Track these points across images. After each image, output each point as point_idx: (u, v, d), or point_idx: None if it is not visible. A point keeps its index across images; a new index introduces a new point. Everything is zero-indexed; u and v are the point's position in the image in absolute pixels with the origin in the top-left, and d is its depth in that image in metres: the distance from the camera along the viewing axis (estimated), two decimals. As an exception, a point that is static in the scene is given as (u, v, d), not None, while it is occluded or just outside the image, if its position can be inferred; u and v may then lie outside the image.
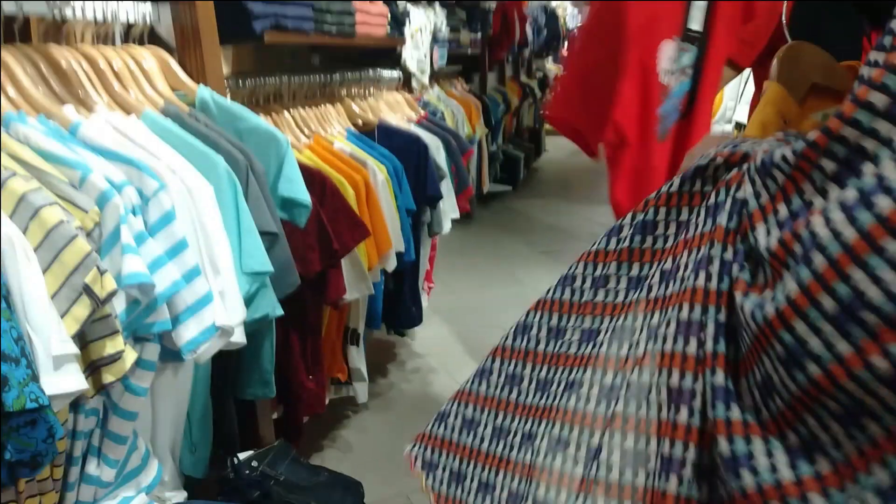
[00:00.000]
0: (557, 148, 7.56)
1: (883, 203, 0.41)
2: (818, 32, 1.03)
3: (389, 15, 2.21)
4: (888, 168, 0.42)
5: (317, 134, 1.83)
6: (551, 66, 7.52)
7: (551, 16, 6.58)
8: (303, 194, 1.25)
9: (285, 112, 1.75)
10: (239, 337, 1.05)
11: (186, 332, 0.94)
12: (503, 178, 5.21)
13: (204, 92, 1.22)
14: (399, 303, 2.11)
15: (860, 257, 0.42)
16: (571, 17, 8.73)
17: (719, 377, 0.54)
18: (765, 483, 0.48)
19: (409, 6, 2.69)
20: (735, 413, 0.52)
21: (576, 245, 4.16)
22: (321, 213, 1.46)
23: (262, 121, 1.25)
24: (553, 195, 5.49)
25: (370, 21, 2.02)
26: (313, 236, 1.46)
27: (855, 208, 0.43)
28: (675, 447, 0.57)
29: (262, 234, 1.13)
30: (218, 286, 1.00)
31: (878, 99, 0.44)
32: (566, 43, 8.51)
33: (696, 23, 1.31)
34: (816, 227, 0.45)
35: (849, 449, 0.46)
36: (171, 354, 0.98)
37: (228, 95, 1.56)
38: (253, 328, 1.19)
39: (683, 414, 0.57)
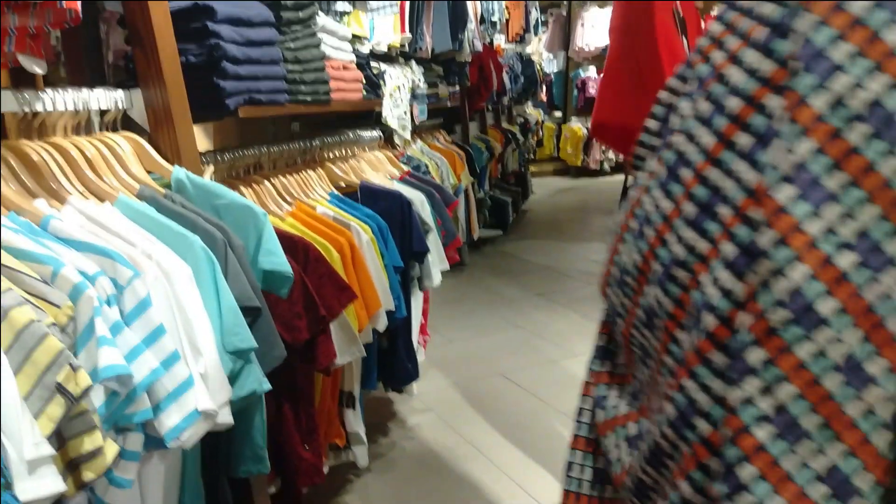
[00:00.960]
0: (543, 189, 7.64)
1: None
2: None
3: (364, 79, 2.25)
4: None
5: (299, 200, 1.84)
6: (531, 111, 7.65)
7: (527, 62, 6.73)
8: (283, 266, 1.25)
9: (267, 182, 1.77)
10: (225, 418, 1.03)
11: (168, 420, 0.92)
12: (493, 223, 5.23)
13: (179, 172, 1.23)
14: (394, 360, 2.09)
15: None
16: (547, 61, 8.95)
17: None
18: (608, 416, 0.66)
19: (385, 66, 2.75)
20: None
21: (570, 285, 4.16)
22: (306, 280, 1.46)
23: (238, 195, 1.26)
24: (543, 236, 5.51)
25: (345, 87, 2.06)
26: (300, 304, 1.45)
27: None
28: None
29: (244, 309, 1.12)
30: (199, 368, 0.99)
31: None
32: (544, 87, 8.70)
33: None
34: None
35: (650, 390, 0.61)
36: (156, 442, 0.96)
37: (209, 172, 1.58)
38: (240, 406, 1.17)
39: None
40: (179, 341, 0.99)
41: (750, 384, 0.48)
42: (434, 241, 2.28)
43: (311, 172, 2.01)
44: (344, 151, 2.34)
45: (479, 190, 4.91)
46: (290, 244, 1.49)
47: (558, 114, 8.92)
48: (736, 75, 0.51)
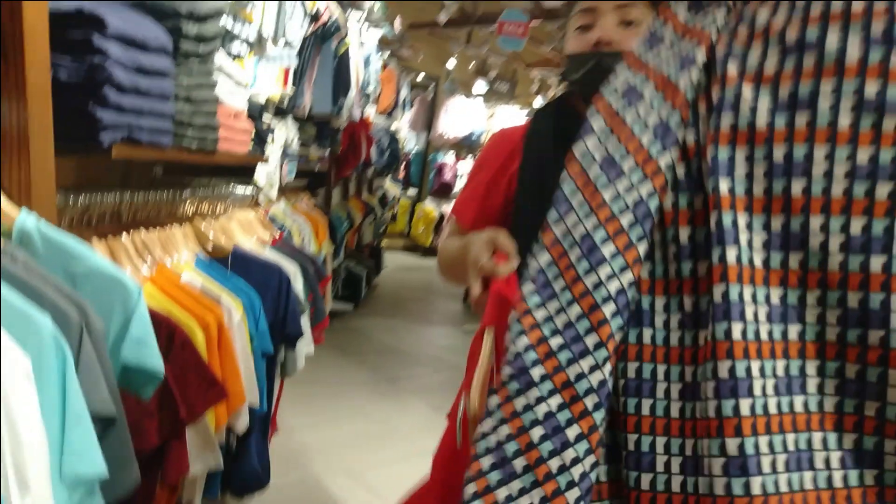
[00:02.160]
0: (393, 264, 7.56)
1: None
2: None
3: (254, 132, 2.00)
4: None
5: (160, 263, 1.53)
6: (390, 186, 7.64)
7: (393, 138, 6.74)
8: (154, 362, 0.96)
9: (123, 235, 1.44)
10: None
11: None
12: (345, 296, 4.99)
13: (28, 220, 0.91)
14: (244, 463, 1.76)
15: None
16: (409, 140, 9.08)
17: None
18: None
19: (274, 122, 2.52)
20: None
21: (419, 370, 4.01)
22: (166, 370, 1.16)
23: (104, 261, 0.97)
24: (393, 314, 5.35)
25: (233, 137, 1.80)
26: (153, 401, 1.14)
27: None
28: None
29: (96, 419, 0.82)
30: (25, 512, 0.68)
31: None
32: (403, 164, 8.77)
33: None
34: None
35: None
36: None
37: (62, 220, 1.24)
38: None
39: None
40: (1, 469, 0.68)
41: (487, 421, 0.63)
42: (305, 322, 2.03)
43: (176, 229, 1.70)
44: (214, 207, 2.05)
45: (335, 260, 4.67)
46: (152, 322, 1.18)
47: (413, 192, 9.01)
48: None
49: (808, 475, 0.57)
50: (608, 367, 0.60)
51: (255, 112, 2.10)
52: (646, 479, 0.61)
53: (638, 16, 1.07)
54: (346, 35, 3.93)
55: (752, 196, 0.57)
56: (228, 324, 1.50)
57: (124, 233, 1.45)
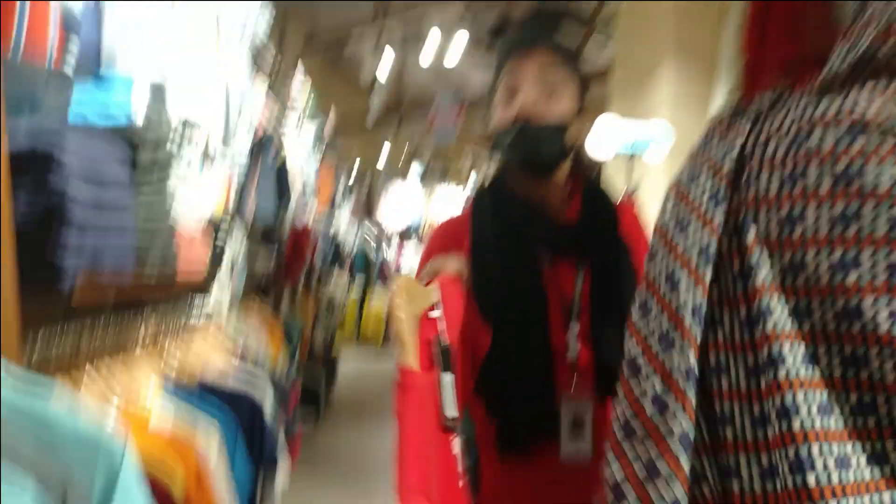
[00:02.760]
0: (348, 367, 7.33)
1: None
2: None
3: (211, 248, 1.93)
4: None
5: (127, 403, 1.40)
6: (336, 288, 7.55)
7: (336, 240, 6.73)
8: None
9: (87, 373, 1.32)
10: None
11: None
12: (303, 408, 4.76)
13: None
14: None
15: None
16: (350, 232, 9.08)
17: None
18: None
19: (230, 235, 2.45)
20: None
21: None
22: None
23: (86, 423, 0.86)
24: (357, 423, 5.13)
25: (192, 258, 1.72)
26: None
27: None
28: None
29: None
30: None
31: None
32: (347, 262, 8.71)
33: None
34: None
35: None
36: None
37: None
38: None
39: None
40: None
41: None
42: (281, 445, 1.90)
43: (139, 359, 1.58)
44: (175, 330, 1.93)
45: (290, 370, 4.49)
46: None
47: (359, 287, 8.91)
48: None
49: None
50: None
51: (210, 229, 2.03)
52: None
53: (560, 86, 1.08)
54: (284, 145, 3.97)
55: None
56: (206, 465, 1.38)
57: (87, 365, 1.33)
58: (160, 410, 1.45)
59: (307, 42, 7.47)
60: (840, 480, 0.52)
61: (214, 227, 2.25)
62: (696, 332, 0.59)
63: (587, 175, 1.22)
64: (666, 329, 0.60)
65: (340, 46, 6.43)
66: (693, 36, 3.06)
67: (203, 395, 1.61)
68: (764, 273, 0.56)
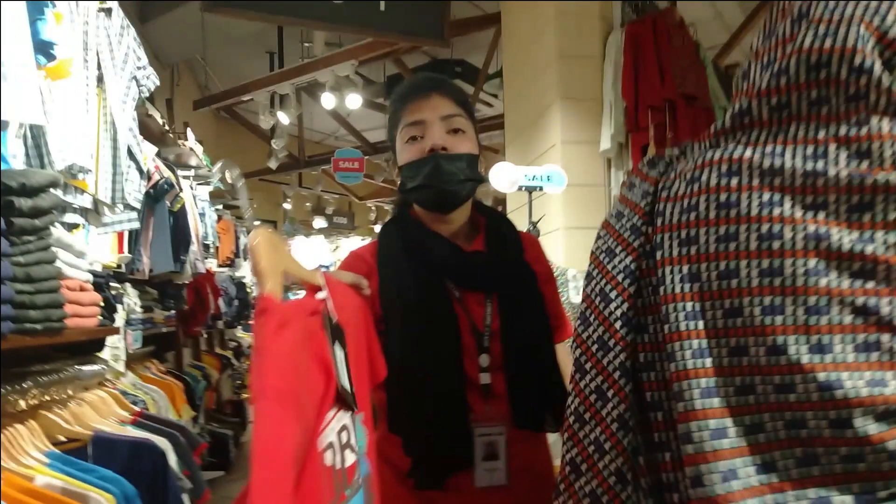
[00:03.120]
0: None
1: None
2: None
3: (103, 301, 1.84)
4: None
5: (6, 470, 1.30)
6: (242, 335, 7.30)
7: (240, 285, 6.53)
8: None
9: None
10: None
11: None
12: (213, 463, 4.54)
13: None
14: None
15: None
16: (255, 286, 8.83)
17: None
18: None
19: (123, 288, 2.34)
20: None
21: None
22: None
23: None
24: (269, 473, 4.92)
25: (82, 311, 1.64)
26: None
27: None
28: None
29: None
30: None
31: None
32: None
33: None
34: None
35: None
36: None
37: None
38: None
39: None
40: None
41: None
42: (186, 499, 1.80)
43: (18, 427, 1.47)
44: (59, 393, 1.81)
45: (196, 424, 4.28)
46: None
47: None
48: None
49: None
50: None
51: (101, 281, 1.94)
52: None
53: (462, 125, 1.17)
54: (181, 191, 3.85)
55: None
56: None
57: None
58: (46, 476, 1.36)
59: (203, 94, 7.34)
60: (713, 448, 0.63)
61: (107, 278, 2.15)
62: (625, 335, 0.73)
63: (490, 208, 1.28)
64: (601, 334, 0.75)
65: (237, 98, 6.38)
66: (575, 85, 3.31)
67: (96, 449, 1.52)
68: (669, 284, 0.69)
